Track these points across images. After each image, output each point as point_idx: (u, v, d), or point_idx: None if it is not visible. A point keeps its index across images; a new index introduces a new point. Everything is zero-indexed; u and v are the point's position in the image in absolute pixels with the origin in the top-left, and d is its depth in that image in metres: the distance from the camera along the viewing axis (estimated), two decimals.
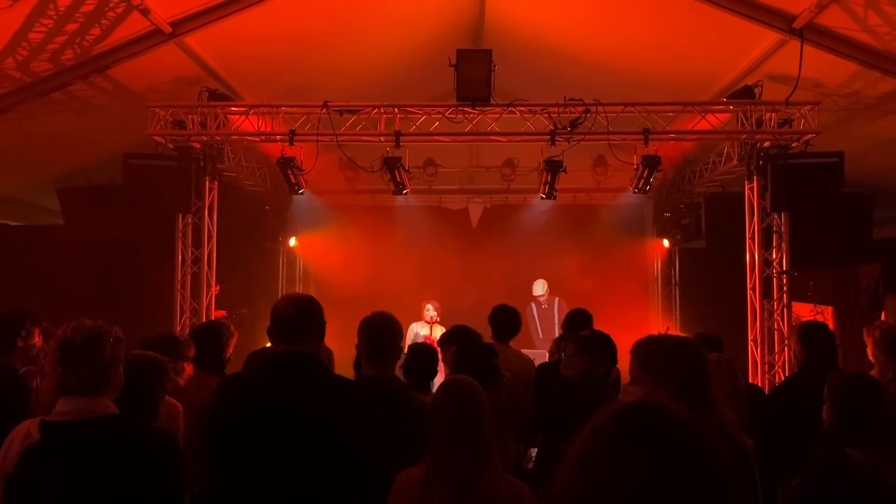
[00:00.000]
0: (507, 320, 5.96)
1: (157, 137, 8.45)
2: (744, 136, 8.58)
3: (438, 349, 5.04)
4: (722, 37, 8.08)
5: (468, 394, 3.08)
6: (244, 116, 8.67)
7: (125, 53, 7.62)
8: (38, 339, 4.51)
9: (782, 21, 7.30)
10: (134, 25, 7.34)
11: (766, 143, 8.54)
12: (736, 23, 7.45)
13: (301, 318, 3.15)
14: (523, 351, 6.44)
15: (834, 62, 7.51)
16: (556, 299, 11.16)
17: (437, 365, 4.72)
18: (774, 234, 8.71)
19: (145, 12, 7.08)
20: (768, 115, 8.33)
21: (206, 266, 9.16)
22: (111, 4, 6.86)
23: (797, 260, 8.62)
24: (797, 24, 7.18)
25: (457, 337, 5.11)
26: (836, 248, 8.93)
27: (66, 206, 10.12)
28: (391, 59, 10.27)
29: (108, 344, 2.66)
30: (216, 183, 9.29)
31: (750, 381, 8.10)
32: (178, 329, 8.60)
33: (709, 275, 10.95)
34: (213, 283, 9.32)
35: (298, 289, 12.88)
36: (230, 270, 9.82)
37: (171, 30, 7.53)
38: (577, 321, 5.76)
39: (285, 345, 3.14)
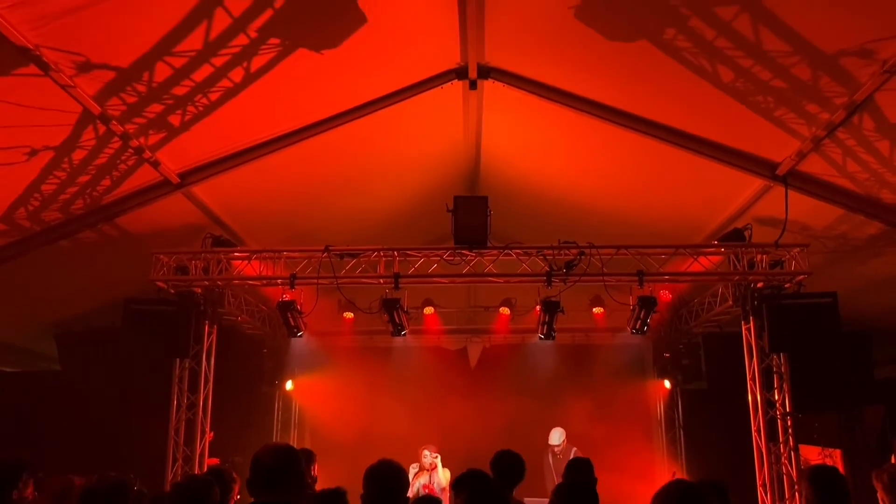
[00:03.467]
0: (510, 467, 5.75)
1: (159, 283, 8.57)
2: (736, 277, 8.72)
3: (450, 490, 4.86)
4: (709, 182, 8.42)
5: None
6: (247, 261, 8.84)
7: (133, 203, 7.90)
8: (31, 492, 4.38)
9: (766, 168, 7.65)
10: (144, 176, 7.65)
11: (760, 284, 8.67)
12: (722, 169, 7.80)
13: (282, 468, 3.12)
14: (533, 500, 6.21)
15: (819, 206, 7.78)
16: (573, 448, 10.85)
17: None
18: (775, 375, 8.66)
19: (155, 164, 7.41)
20: (759, 256, 8.52)
21: (200, 412, 9.00)
22: (123, 157, 7.17)
23: (800, 401, 8.51)
24: (780, 171, 7.52)
25: (468, 484, 4.90)
26: (838, 388, 8.86)
27: (63, 351, 10.10)
28: (391, 205, 10.61)
29: (129, 498, 2.61)
30: (215, 327, 9.32)
31: None
32: (170, 478, 8.34)
33: (712, 417, 10.76)
34: (208, 429, 9.13)
35: (293, 435, 12.60)
36: (225, 415, 9.66)
37: (179, 180, 7.85)
38: (578, 468, 5.63)
39: (266, 495, 3.09)
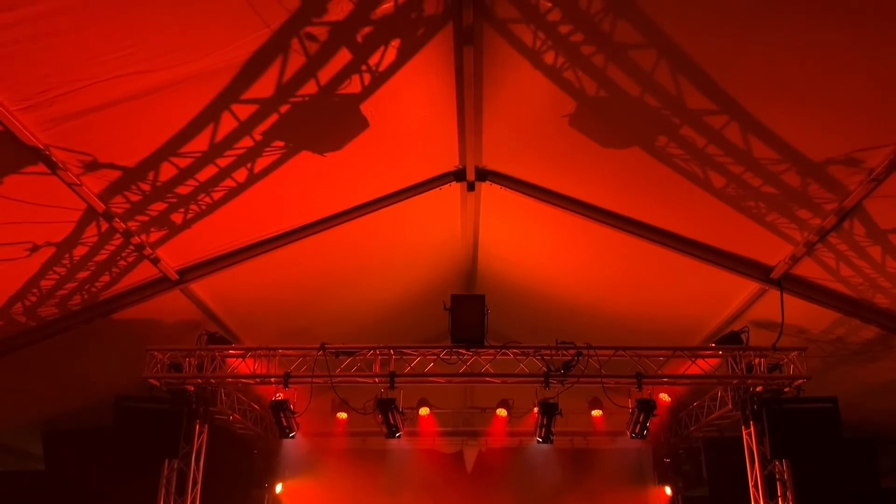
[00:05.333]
0: None
1: (152, 380, 8.46)
2: (735, 380, 8.65)
3: None
4: (705, 285, 8.48)
5: None
6: (241, 359, 8.76)
7: (131, 299, 7.91)
8: None
9: (760, 272, 7.73)
10: (143, 272, 7.68)
11: (759, 388, 8.58)
12: (718, 272, 7.87)
13: None
14: None
15: (815, 309, 7.81)
16: None
17: None
18: (778, 482, 8.44)
19: (155, 261, 7.46)
20: (757, 360, 8.47)
21: None
22: (124, 254, 7.23)
23: None
24: (774, 275, 7.59)
25: None
26: (843, 497, 8.61)
27: (49, 450, 9.83)
28: (388, 303, 10.62)
29: None
30: (206, 426, 9.13)
31: None
32: None
33: None
34: None
35: None
36: None
37: (177, 277, 7.89)
38: None
39: None
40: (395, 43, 5.72)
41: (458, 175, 7.81)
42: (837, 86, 5.19)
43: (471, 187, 7.91)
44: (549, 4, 5.24)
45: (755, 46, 5.06)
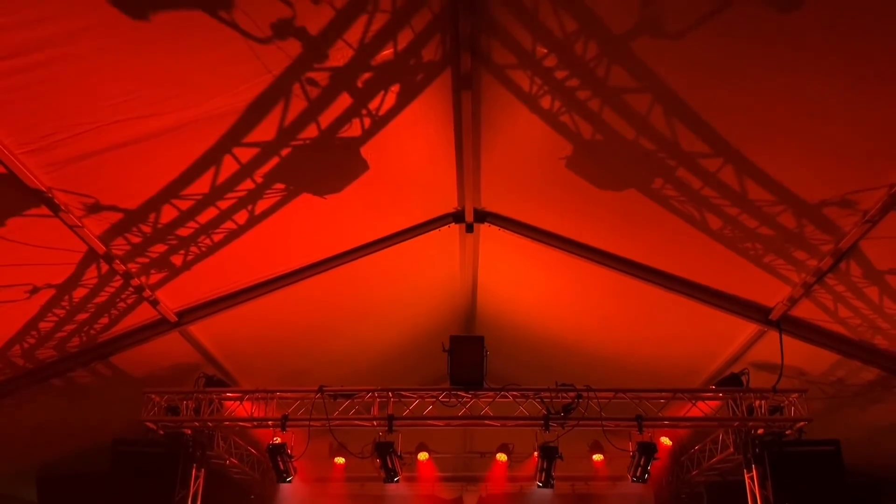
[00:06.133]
0: None
1: (149, 424, 8.39)
2: (736, 423, 8.58)
3: None
4: (705, 326, 8.47)
5: None
6: (239, 402, 8.70)
7: (130, 341, 7.89)
8: None
9: (759, 313, 7.73)
10: (142, 314, 7.69)
11: (760, 431, 8.51)
12: (717, 314, 7.88)
13: None
14: None
15: (815, 351, 7.80)
16: None
17: None
18: None
19: (154, 303, 7.47)
20: (758, 402, 8.42)
21: None
22: (123, 296, 7.24)
23: None
24: (773, 316, 7.60)
25: None
26: None
27: (44, 496, 9.68)
28: (387, 345, 10.59)
29: None
30: (203, 471, 9.01)
31: None
32: None
33: None
34: None
35: None
36: None
37: (176, 319, 7.89)
38: None
39: None
40: (395, 88, 5.84)
41: (457, 217, 7.88)
42: (830, 130, 5.28)
43: (469, 229, 7.98)
44: (545, 51, 5.37)
45: (749, 91, 5.17)
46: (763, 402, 8.40)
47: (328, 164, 6.42)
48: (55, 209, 5.66)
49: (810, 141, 5.43)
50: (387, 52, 5.39)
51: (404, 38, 5.35)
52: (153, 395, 8.48)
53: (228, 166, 5.95)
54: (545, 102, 5.88)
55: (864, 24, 4.45)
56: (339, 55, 5.25)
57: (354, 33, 5.12)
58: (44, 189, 5.42)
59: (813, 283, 6.82)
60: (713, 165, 5.89)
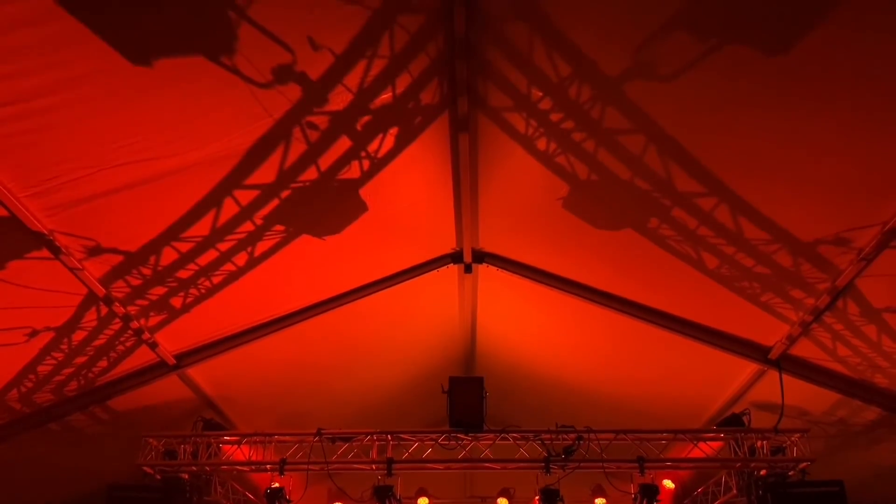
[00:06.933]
0: None
1: (146, 468, 8.30)
2: (738, 464, 8.48)
3: None
4: (705, 366, 8.45)
5: None
6: (237, 445, 8.63)
7: (127, 384, 7.85)
8: None
9: (758, 352, 7.72)
10: (140, 357, 7.67)
11: (763, 472, 8.42)
12: (716, 354, 7.87)
13: None
14: None
15: (815, 390, 7.75)
16: None
17: None
18: None
19: (153, 346, 7.46)
20: (760, 442, 8.35)
21: None
22: (122, 338, 7.23)
23: None
24: (772, 356, 7.59)
25: None
26: None
27: None
28: (385, 387, 10.54)
29: None
30: None
31: None
32: None
33: None
34: None
35: None
36: None
37: (175, 362, 7.87)
38: None
39: None
40: (394, 131, 5.94)
41: (456, 257, 7.93)
42: (822, 168, 5.35)
43: (468, 269, 8.02)
44: (540, 94, 5.48)
45: (740, 131, 5.26)
46: (765, 442, 8.33)
47: (327, 206, 6.48)
48: (56, 251, 5.70)
49: (803, 180, 5.50)
50: (385, 96, 5.50)
51: (402, 83, 5.47)
52: (150, 439, 8.40)
53: (229, 208, 6.02)
54: (541, 144, 5.98)
55: (853, 65, 4.55)
56: (339, 99, 5.36)
57: (354, 78, 5.23)
58: (45, 231, 5.47)
59: (811, 321, 6.83)
60: (707, 204, 5.96)
